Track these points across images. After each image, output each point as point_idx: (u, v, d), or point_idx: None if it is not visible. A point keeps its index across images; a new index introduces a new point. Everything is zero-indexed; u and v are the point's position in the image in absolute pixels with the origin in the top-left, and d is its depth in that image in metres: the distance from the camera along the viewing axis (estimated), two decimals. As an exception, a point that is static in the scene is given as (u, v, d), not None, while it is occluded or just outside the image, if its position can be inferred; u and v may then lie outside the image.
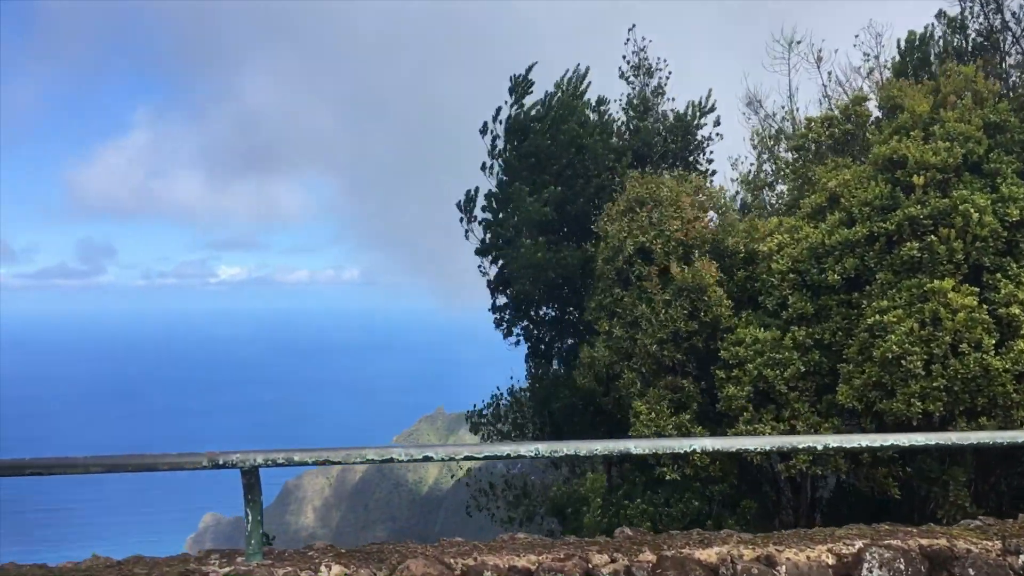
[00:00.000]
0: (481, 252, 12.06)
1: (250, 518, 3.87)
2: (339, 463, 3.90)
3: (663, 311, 9.33)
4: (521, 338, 12.00)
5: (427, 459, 3.95)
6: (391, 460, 3.92)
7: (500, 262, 11.86)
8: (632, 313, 9.74)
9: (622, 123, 12.44)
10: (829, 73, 12.73)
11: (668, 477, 8.87)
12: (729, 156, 12.10)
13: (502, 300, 12.12)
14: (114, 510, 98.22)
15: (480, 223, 11.81)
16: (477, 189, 11.75)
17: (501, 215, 11.69)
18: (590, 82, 12.32)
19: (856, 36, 12.55)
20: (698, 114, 12.14)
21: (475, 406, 12.69)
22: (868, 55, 12.13)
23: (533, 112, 12.14)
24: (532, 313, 11.82)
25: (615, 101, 12.82)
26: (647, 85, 12.87)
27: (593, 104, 12.20)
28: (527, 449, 4.04)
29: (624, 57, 12.95)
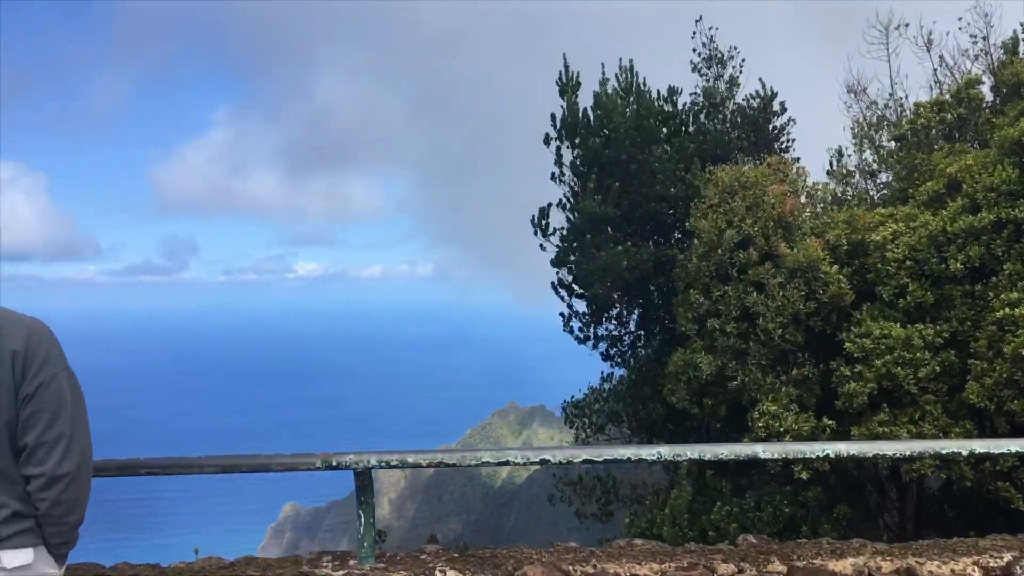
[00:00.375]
0: (557, 263, 11.79)
1: (363, 520, 3.75)
2: (454, 465, 3.77)
3: (779, 294, 8.93)
4: (600, 342, 11.71)
5: (544, 462, 3.78)
6: (507, 463, 3.76)
7: (573, 268, 11.59)
8: (741, 306, 9.33)
9: (696, 117, 12.02)
10: (940, 57, 12.03)
11: (798, 475, 8.42)
12: (828, 147, 11.52)
13: (579, 307, 11.84)
14: (198, 499, 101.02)
15: (553, 232, 11.53)
16: (549, 204, 11.47)
17: (572, 221, 11.40)
18: (644, 77, 11.86)
19: (960, 19, 11.85)
20: (774, 104, 11.70)
21: (572, 397, 12.47)
22: (975, 36, 11.44)
23: (590, 112, 11.71)
24: (610, 315, 11.55)
25: (690, 95, 12.38)
26: (720, 76, 12.42)
27: (664, 98, 11.79)
28: (648, 452, 3.83)
29: (694, 49, 12.53)
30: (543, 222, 11.30)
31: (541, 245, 11.39)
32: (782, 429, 8.24)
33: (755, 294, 8.97)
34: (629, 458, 3.83)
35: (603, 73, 11.39)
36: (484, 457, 3.74)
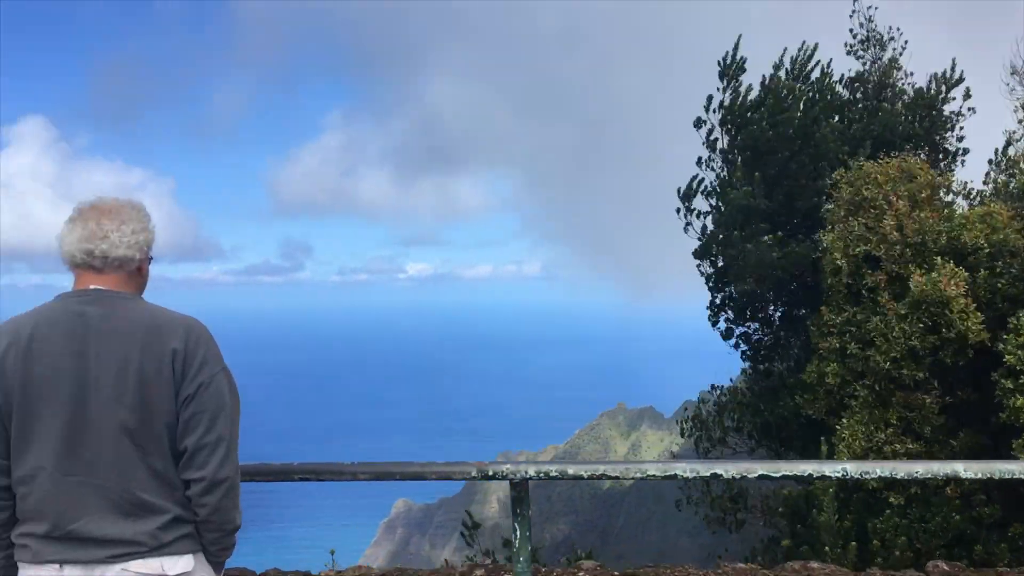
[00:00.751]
0: (700, 254, 11.29)
1: (518, 533, 3.53)
2: (616, 478, 3.49)
3: (897, 326, 8.19)
4: (741, 341, 11.13)
5: (715, 476, 3.47)
6: (675, 476, 3.46)
7: (720, 260, 11.05)
8: (864, 329, 8.66)
9: (853, 104, 11.24)
10: None
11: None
12: (1004, 130, 10.59)
13: (720, 301, 11.30)
14: (312, 493, 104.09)
15: (699, 216, 11.03)
16: (700, 180, 10.98)
17: (721, 210, 10.89)
18: (819, 61, 11.23)
19: None
20: (944, 87, 10.79)
21: (686, 411, 11.98)
22: None
23: (750, 98, 11.18)
24: (756, 313, 10.96)
25: (843, 80, 11.61)
26: (879, 59, 11.59)
27: (818, 85, 11.13)
28: (832, 469, 3.46)
29: (851, 31, 11.76)
30: (687, 200, 10.83)
31: (686, 227, 10.92)
32: (865, 446, 7.63)
33: (876, 319, 8.27)
34: (809, 474, 3.47)
35: (782, 55, 10.94)
36: (650, 470, 3.45)
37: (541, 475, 3.47)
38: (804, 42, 11.07)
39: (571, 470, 3.47)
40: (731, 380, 11.80)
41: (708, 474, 3.47)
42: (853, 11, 11.91)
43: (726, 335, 11.22)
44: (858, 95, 11.56)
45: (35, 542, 2.60)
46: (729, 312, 11.00)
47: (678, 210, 10.94)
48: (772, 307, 10.73)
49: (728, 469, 3.47)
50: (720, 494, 11.47)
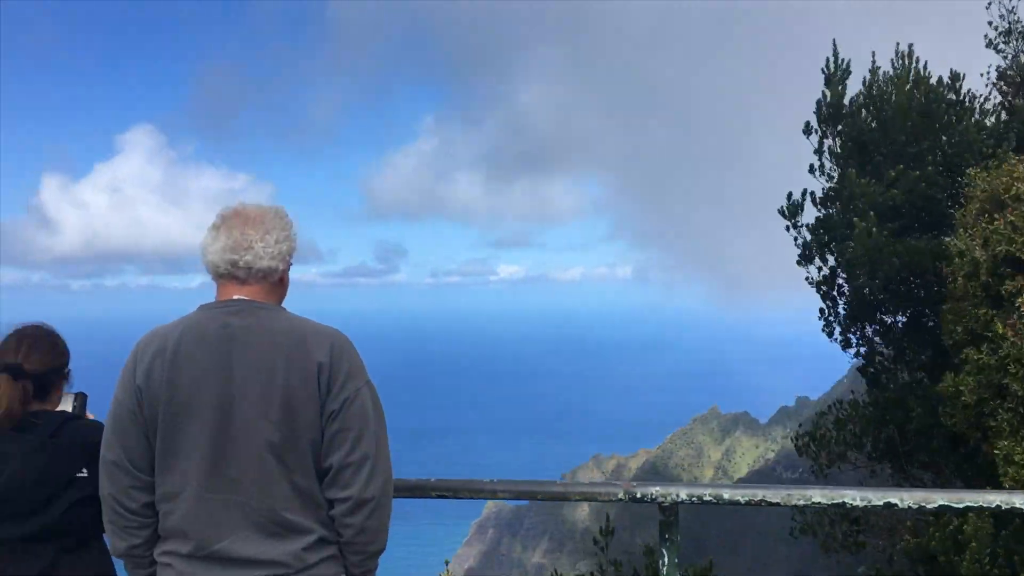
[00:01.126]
0: (805, 258, 10.74)
1: (666, 559, 3.27)
2: (777, 504, 3.20)
3: None
4: (861, 349, 10.49)
5: (890, 506, 3.13)
6: (843, 504, 3.15)
7: (830, 261, 10.47)
8: (998, 342, 7.96)
9: (994, 100, 10.51)
10: None
11: None
12: None
13: (830, 307, 10.72)
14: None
15: (806, 226, 10.50)
16: (804, 192, 10.48)
17: (833, 212, 10.33)
18: (927, 62, 10.57)
19: None
20: None
21: (801, 427, 11.38)
22: None
23: (859, 98, 10.58)
24: (872, 316, 10.33)
25: (984, 74, 10.87)
26: (1022, 51, 10.81)
27: (946, 82, 10.45)
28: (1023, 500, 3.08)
29: (990, 23, 11.01)
30: (793, 211, 10.34)
31: (795, 239, 10.40)
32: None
33: (1006, 346, 7.55)
34: (999, 505, 3.10)
35: (873, 62, 10.30)
36: (815, 497, 3.14)
37: (694, 499, 3.20)
38: (910, 45, 10.39)
39: (727, 494, 3.19)
40: (852, 393, 11.13)
41: (881, 503, 3.13)
42: (989, 2, 11.17)
43: (844, 344, 10.61)
44: (1004, 89, 10.83)
45: (179, 562, 2.50)
46: (842, 317, 10.41)
47: (787, 228, 10.43)
48: (891, 309, 10.08)
49: (904, 498, 3.13)
50: (841, 516, 10.88)
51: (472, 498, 3.22)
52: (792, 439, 11.64)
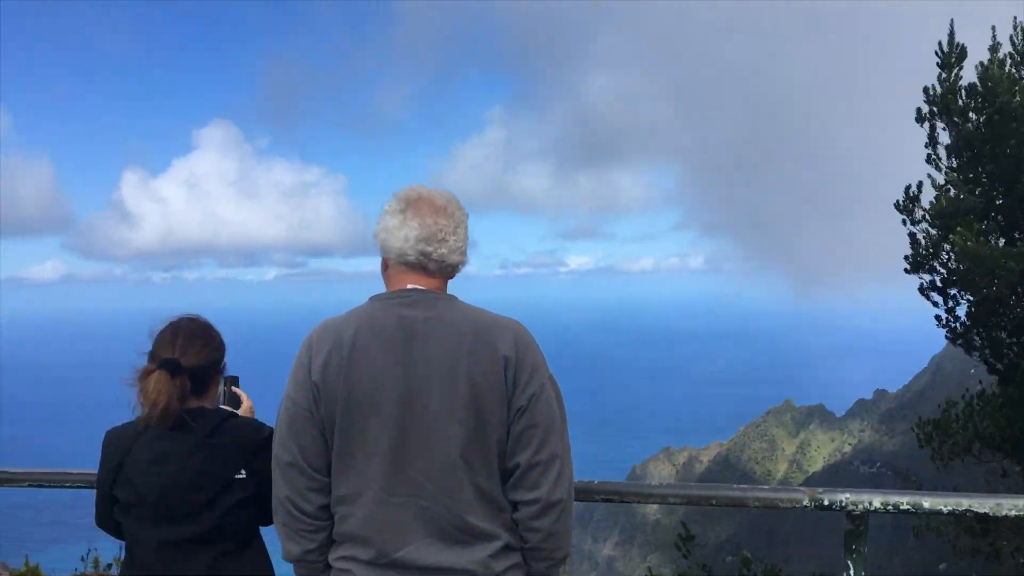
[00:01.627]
0: (915, 266, 10.21)
1: (851, 571, 2.98)
2: (985, 514, 2.88)
3: None
4: (987, 350, 9.94)
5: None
6: None
7: (947, 262, 9.93)
8: None
9: None
10: None
11: None
12: None
13: (949, 311, 10.18)
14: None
15: (922, 220, 9.96)
16: (920, 184, 9.93)
17: (943, 211, 9.75)
18: None
19: None
20: None
21: (919, 418, 10.84)
22: None
23: (974, 86, 9.92)
24: (1001, 320, 9.77)
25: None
26: None
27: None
28: None
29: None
30: (909, 205, 9.80)
31: (911, 234, 9.86)
32: None
33: None
34: None
35: (993, 38, 9.60)
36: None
37: (889, 508, 2.91)
38: (1015, 18, 9.63)
39: (927, 503, 2.88)
40: (971, 390, 10.53)
41: (1107, 516, 2.79)
42: None
43: (968, 347, 10.06)
44: None
45: (359, 568, 2.33)
46: (965, 320, 9.87)
47: (904, 221, 9.89)
48: (1009, 311, 9.50)
49: None
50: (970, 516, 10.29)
51: (639, 502, 2.99)
52: (913, 427, 11.08)
